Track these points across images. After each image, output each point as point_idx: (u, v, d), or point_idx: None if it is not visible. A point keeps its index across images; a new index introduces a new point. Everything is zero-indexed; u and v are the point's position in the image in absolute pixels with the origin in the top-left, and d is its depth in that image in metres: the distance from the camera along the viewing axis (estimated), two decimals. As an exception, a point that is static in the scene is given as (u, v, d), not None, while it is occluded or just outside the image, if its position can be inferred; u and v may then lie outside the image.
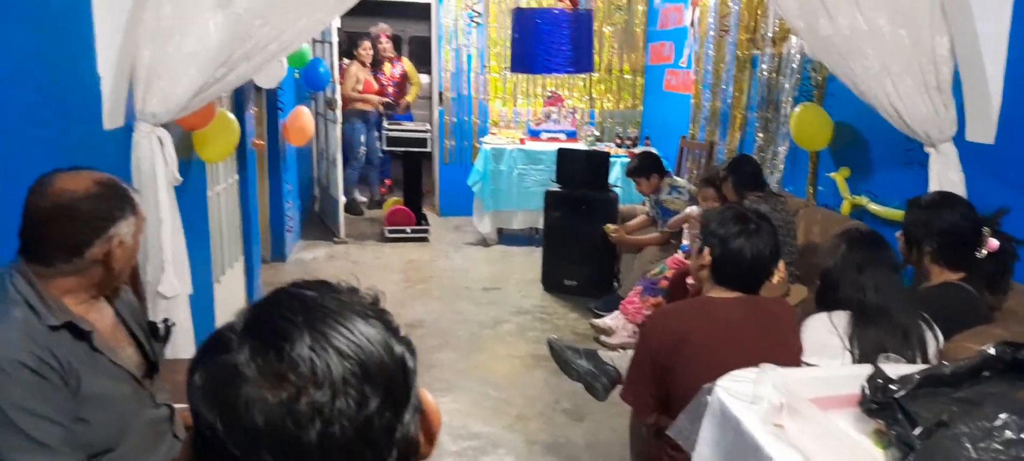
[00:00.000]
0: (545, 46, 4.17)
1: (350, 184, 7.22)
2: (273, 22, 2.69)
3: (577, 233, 5.02)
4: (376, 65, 7.37)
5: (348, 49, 7.62)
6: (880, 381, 1.45)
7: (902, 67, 2.83)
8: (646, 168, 4.72)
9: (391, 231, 6.40)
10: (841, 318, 2.08)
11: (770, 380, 1.50)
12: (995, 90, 2.79)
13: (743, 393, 1.58)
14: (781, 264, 2.21)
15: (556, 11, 4.40)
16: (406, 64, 7.63)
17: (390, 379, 0.65)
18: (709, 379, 1.74)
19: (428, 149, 6.48)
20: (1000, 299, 2.43)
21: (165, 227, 2.67)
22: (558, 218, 5.12)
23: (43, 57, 2.10)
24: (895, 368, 1.53)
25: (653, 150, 5.58)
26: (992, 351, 1.47)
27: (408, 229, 6.41)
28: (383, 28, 7.75)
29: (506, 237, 6.48)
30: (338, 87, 6.26)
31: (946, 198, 2.46)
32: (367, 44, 7.26)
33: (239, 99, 4.35)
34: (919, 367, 1.51)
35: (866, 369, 1.50)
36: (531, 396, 3.59)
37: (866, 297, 2.05)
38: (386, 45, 7.56)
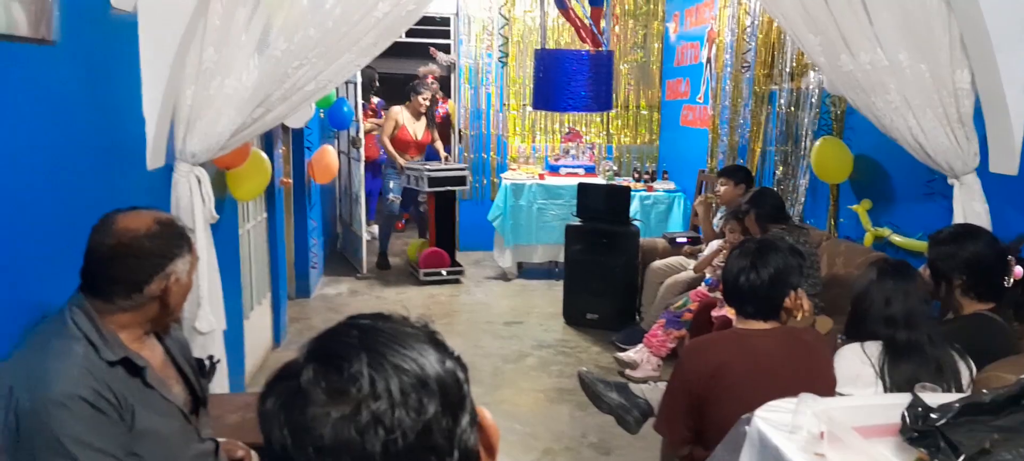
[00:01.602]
0: (567, 85, 4.26)
1: (384, 239, 6.77)
2: (310, 64, 2.77)
3: (598, 267, 5.06)
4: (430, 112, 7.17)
5: (388, 92, 7.76)
6: (920, 410, 1.47)
7: (923, 101, 2.87)
8: (741, 176, 4.57)
9: (427, 274, 6.18)
10: (873, 349, 2.11)
11: (810, 409, 1.53)
12: (1017, 121, 2.82)
13: (782, 423, 1.61)
14: (803, 297, 2.24)
15: (578, 52, 4.50)
16: (450, 106, 7.66)
17: (445, 389, 0.71)
18: (745, 410, 1.77)
19: (466, 186, 6.48)
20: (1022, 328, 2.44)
21: (202, 264, 2.72)
22: (579, 252, 5.16)
23: (93, 101, 2.18)
24: (932, 397, 1.55)
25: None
26: (1030, 379, 1.49)
27: (444, 271, 6.24)
28: (432, 69, 7.84)
29: (526, 271, 6.52)
30: (361, 125, 6.37)
31: (968, 229, 2.49)
32: (427, 95, 6.63)
33: (268, 138, 4.45)
34: (957, 395, 1.53)
35: (904, 398, 1.52)
36: (557, 431, 3.60)
37: (897, 330, 2.07)
38: (435, 86, 7.64)
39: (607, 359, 4.53)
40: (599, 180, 6.48)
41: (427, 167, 6.26)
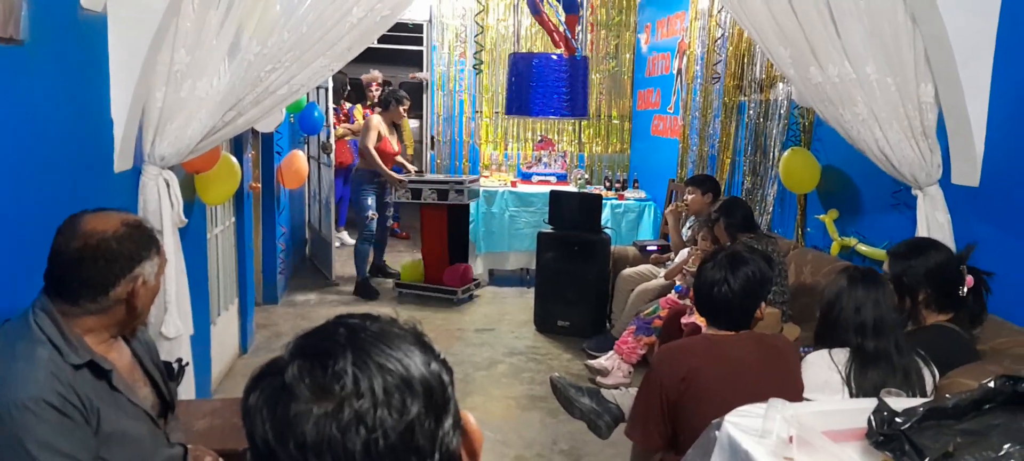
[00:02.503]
0: (541, 90, 4.27)
1: (362, 260, 6.05)
2: (284, 68, 2.76)
3: (570, 274, 5.07)
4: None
5: (352, 96, 7.69)
6: (886, 414, 1.50)
7: (889, 113, 2.94)
8: (708, 185, 4.57)
9: (464, 292, 5.83)
10: (841, 356, 2.15)
11: (779, 414, 1.55)
12: (978, 134, 2.90)
13: (752, 428, 1.62)
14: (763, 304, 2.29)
15: (553, 56, 4.51)
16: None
17: (429, 390, 0.71)
18: (717, 415, 1.78)
19: (478, 197, 6.17)
20: (990, 343, 2.50)
21: (170, 268, 2.68)
22: (551, 259, 5.18)
23: (60, 102, 2.14)
24: (898, 402, 1.58)
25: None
26: (992, 384, 1.52)
27: (473, 286, 5.99)
28: (375, 76, 7.86)
29: (498, 278, 6.52)
30: (332, 131, 6.33)
31: (925, 243, 2.56)
32: (407, 105, 6.38)
33: (238, 142, 4.39)
34: (921, 400, 1.56)
35: (870, 403, 1.55)
36: (528, 438, 3.60)
37: (866, 338, 2.11)
38: (376, 92, 7.68)
39: (578, 366, 4.54)
40: (571, 188, 6.52)
41: (434, 178, 5.99)
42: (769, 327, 3.25)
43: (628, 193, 6.68)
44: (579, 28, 4.65)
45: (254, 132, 4.79)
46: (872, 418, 1.51)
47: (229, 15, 2.64)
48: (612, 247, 5.27)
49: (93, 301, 1.50)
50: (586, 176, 7.02)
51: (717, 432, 1.72)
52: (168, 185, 2.72)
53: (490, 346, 4.87)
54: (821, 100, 3.02)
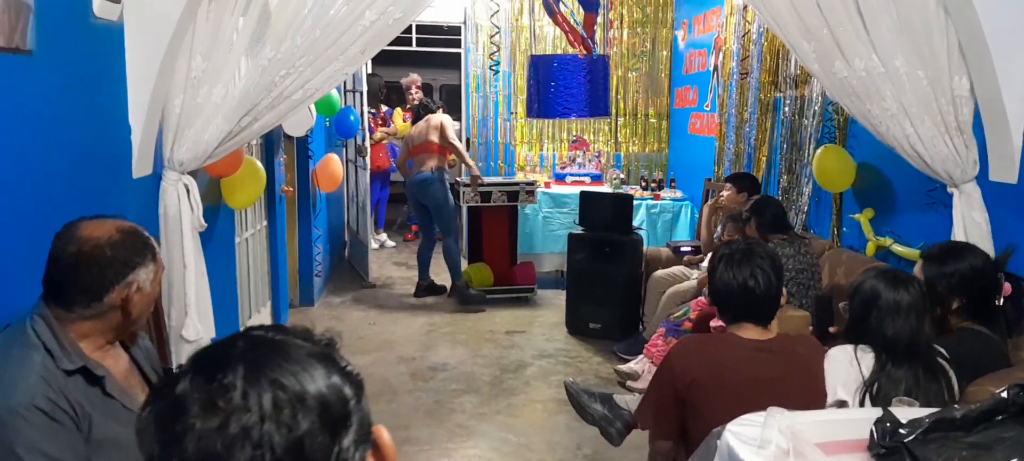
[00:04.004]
0: (561, 91, 4.23)
1: (456, 262, 5.90)
2: (298, 72, 2.78)
3: (601, 276, 5.02)
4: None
5: (391, 98, 7.79)
6: (889, 425, 1.43)
7: (921, 108, 2.82)
8: (745, 183, 4.49)
9: (524, 289, 5.93)
10: (866, 357, 2.05)
11: (776, 424, 1.49)
12: (1016, 129, 2.76)
13: (752, 437, 1.57)
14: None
15: (572, 57, 4.46)
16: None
17: (325, 406, 0.69)
18: (727, 417, 1.72)
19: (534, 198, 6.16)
20: (1014, 342, 2.36)
21: (189, 272, 2.74)
22: (582, 261, 5.13)
23: (74, 111, 2.19)
24: (906, 411, 1.51)
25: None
26: (1005, 394, 1.44)
27: (535, 286, 6.02)
28: (413, 79, 7.91)
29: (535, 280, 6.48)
30: (367, 135, 6.39)
31: (961, 247, 2.41)
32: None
33: (269, 147, 4.47)
34: (929, 411, 1.48)
35: (874, 413, 1.48)
36: (553, 442, 3.57)
37: (894, 358, 1.99)
38: (416, 94, 7.74)
39: (608, 369, 4.49)
40: (605, 188, 6.45)
41: (501, 181, 6.06)
42: (797, 328, 3.15)
43: (664, 193, 6.58)
44: (599, 28, 4.58)
45: (287, 136, 4.86)
46: (874, 429, 1.44)
47: (243, 21, 2.67)
48: (645, 248, 5.19)
49: (87, 307, 1.52)
50: (622, 176, 6.93)
51: (718, 441, 1.67)
52: (188, 190, 2.77)
53: (520, 348, 4.84)
54: (847, 95, 2.91)
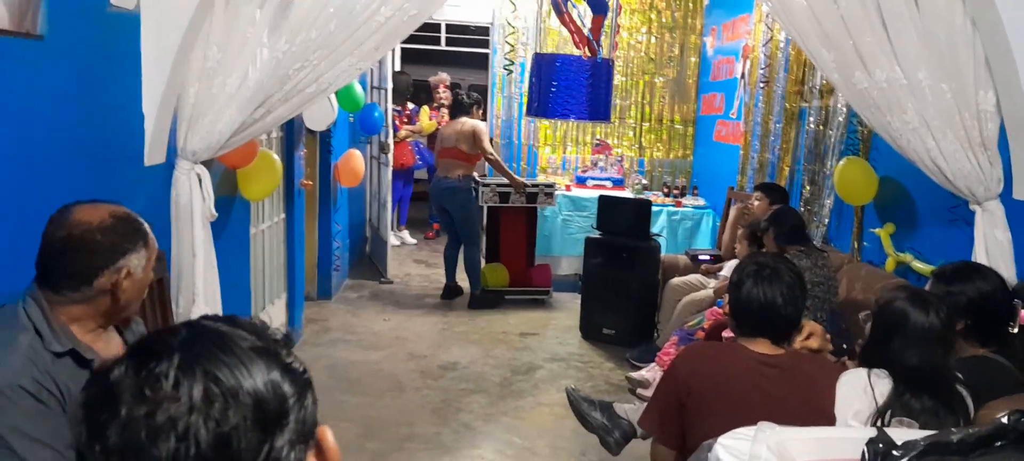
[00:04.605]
0: (562, 91, 4.18)
1: (478, 270, 5.83)
2: (312, 66, 2.78)
3: (617, 281, 4.98)
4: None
5: (419, 96, 7.85)
6: (882, 446, 1.38)
7: (943, 122, 2.75)
8: (777, 195, 4.40)
9: (540, 291, 5.95)
10: (881, 383, 1.97)
11: (766, 440, 1.45)
12: (1043, 147, 2.68)
13: (742, 451, 1.53)
14: (817, 326, 2.14)
15: (575, 58, 4.42)
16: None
17: (260, 403, 0.68)
18: (725, 429, 1.69)
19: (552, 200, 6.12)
20: None
21: (198, 262, 2.76)
22: (598, 265, 5.09)
23: (86, 97, 2.22)
24: (901, 433, 1.46)
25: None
26: (1005, 420, 1.38)
27: (551, 288, 6.01)
28: (442, 78, 7.95)
29: (552, 283, 6.45)
30: (391, 131, 6.41)
31: (974, 268, 2.31)
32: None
33: (289, 140, 4.50)
34: (926, 433, 1.43)
35: (868, 433, 1.43)
36: (557, 446, 3.54)
37: (915, 390, 1.89)
38: (443, 94, 7.77)
39: (619, 376, 4.45)
40: (626, 193, 6.40)
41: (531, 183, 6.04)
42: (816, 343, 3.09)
43: (686, 200, 6.52)
44: (607, 31, 4.53)
45: (308, 130, 4.89)
46: (866, 450, 1.39)
47: (260, 13, 2.69)
48: (663, 255, 5.14)
49: (76, 291, 1.53)
50: (644, 181, 6.88)
51: (709, 453, 1.63)
52: (200, 179, 2.79)
53: (532, 351, 4.82)
54: (867, 106, 2.85)
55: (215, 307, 2.89)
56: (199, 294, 2.77)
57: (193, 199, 2.76)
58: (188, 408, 0.64)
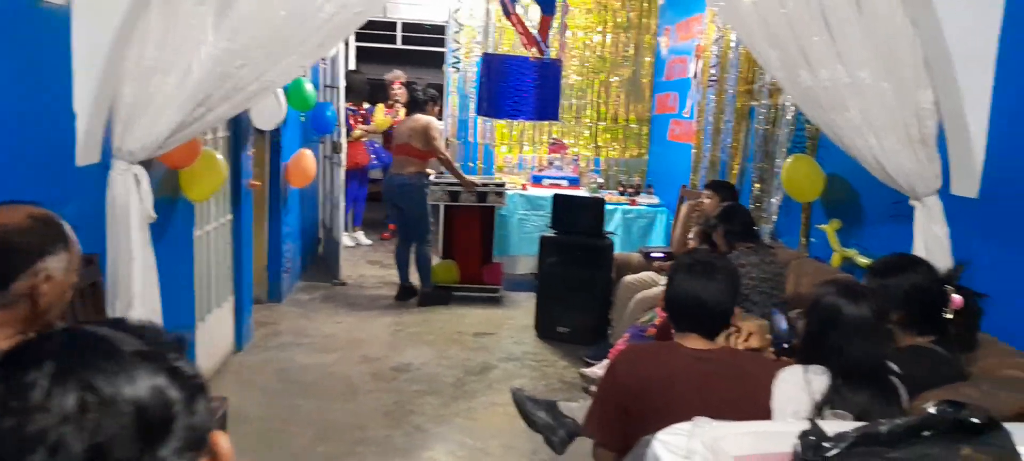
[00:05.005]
0: (511, 91, 4.18)
1: (429, 267, 5.84)
2: (254, 63, 2.73)
3: (572, 279, 4.98)
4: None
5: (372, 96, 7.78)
6: (813, 438, 1.39)
7: (885, 120, 2.80)
8: (727, 192, 4.40)
9: (490, 289, 6.00)
10: (818, 380, 1.98)
11: (700, 435, 1.45)
12: (978, 144, 2.74)
13: (679, 447, 1.53)
14: (756, 326, 2.17)
15: (524, 58, 4.43)
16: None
17: (141, 412, 0.65)
18: (665, 425, 1.69)
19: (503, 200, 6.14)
20: (970, 356, 2.32)
21: (136, 264, 2.68)
22: (553, 264, 5.09)
23: (11, 94, 2.13)
24: (833, 425, 1.47)
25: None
26: (933, 410, 1.40)
27: (501, 287, 6.05)
28: (397, 75, 7.89)
29: (508, 282, 6.43)
30: (343, 131, 6.33)
31: (907, 261, 2.37)
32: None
33: (236, 139, 4.40)
34: (858, 424, 1.45)
35: (801, 425, 1.44)
36: (509, 446, 3.52)
37: (852, 386, 1.90)
38: (398, 91, 7.71)
39: (573, 374, 4.45)
40: (582, 192, 6.42)
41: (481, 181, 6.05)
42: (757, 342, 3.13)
43: (641, 199, 6.56)
44: (556, 31, 4.55)
45: (257, 130, 4.80)
46: (799, 442, 1.40)
47: (199, 10, 2.62)
48: (616, 253, 5.16)
49: (-8, 295, 1.47)
50: (600, 180, 6.91)
51: (647, 449, 1.63)
52: (137, 180, 2.71)
53: (487, 350, 4.80)
54: (812, 105, 2.89)
55: (154, 311, 2.82)
56: (137, 298, 2.69)
57: (130, 200, 2.68)
58: (60, 419, 0.61)
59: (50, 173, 2.36)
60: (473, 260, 6.06)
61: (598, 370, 4.17)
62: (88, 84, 2.48)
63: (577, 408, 2.46)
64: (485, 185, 5.97)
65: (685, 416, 1.72)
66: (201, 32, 2.67)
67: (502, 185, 6.03)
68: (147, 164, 2.80)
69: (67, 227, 1.59)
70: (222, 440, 0.73)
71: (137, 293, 2.68)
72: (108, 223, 2.66)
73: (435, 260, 6.03)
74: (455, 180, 5.85)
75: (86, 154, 2.55)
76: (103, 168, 2.65)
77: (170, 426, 0.67)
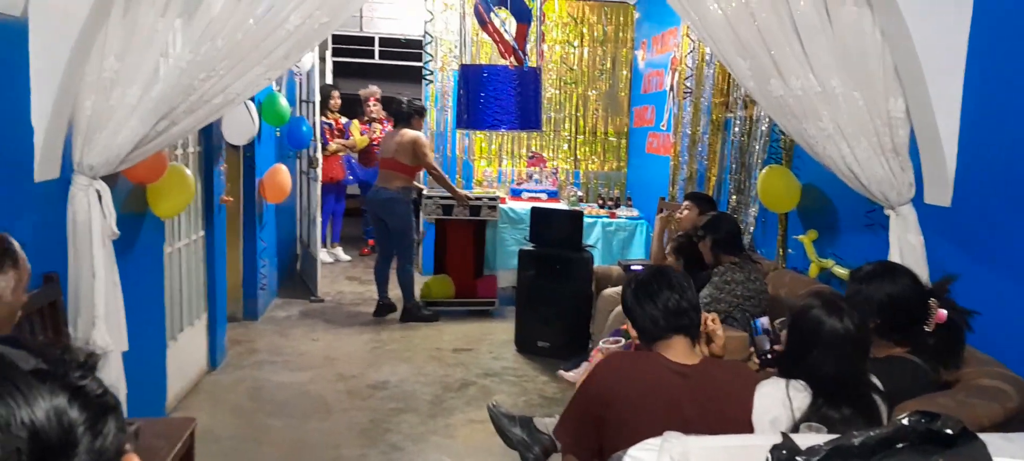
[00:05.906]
0: (491, 102, 4.14)
1: (411, 284, 5.76)
2: (219, 76, 2.68)
3: (551, 293, 4.94)
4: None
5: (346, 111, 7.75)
6: (785, 452, 1.36)
7: (857, 129, 2.79)
8: (706, 204, 4.41)
9: (485, 302, 5.98)
10: (799, 395, 1.95)
11: (670, 451, 1.41)
12: (950, 152, 2.75)
13: (649, 463, 1.49)
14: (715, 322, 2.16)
15: (502, 68, 4.39)
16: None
17: (37, 435, 0.62)
18: (640, 439, 1.65)
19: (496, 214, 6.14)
20: (954, 373, 2.28)
21: (99, 282, 2.61)
22: (532, 278, 5.05)
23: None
24: (806, 438, 1.44)
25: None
26: (905, 421, 1.37)
27: (496, 300, 6.02)
28: (372, 91, 7.85)
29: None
30: (318, 145, 6.28)
31: (887, 269, 2.33)
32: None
33: (208, 154, 4.34)
34: (830, 437, 1.41)
35: (773, 439, 1.41)
36: (486, 463, 3.47)
37: (831, 402, 1.87)
38: (373, 107, 7.67)
39: (553, 388, 4.40)
40: (561, 205, 6.39)
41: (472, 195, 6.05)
42: (735, 352, 3.10)
43: (620, 211, 6.55)
44: (533, 41, 4.53)
45: (230, 145, 4.73)
46: (770, 456, 1.37)
47: (160, 22, 2.57)
48: (596, 266, 5.13)
49: (-65, 315, 1.41)
50: (579, 194, 6.89)
51: (618, 466, 1.59)
52: (99, 195, 2.65)
53: (465, 366, 4.74)
54: (784, 114, 2.88)
55: (119, 329, 2.75)
56: (100, 317, 2.62)
57: (92, 216, 2.62)
58: None
59: (6, 189, 2.29)
60: (467, 274, 6.04)
61: (580, 373, 4.13)
62: (46, 97, 2.42)
63: (552, 424, 2.41)
64: (478, 199, 5.95)
65: (658, 431, 1.68)
66: (163, 43, 2.62)
67: (495, 199, 6.02)
68: (111, 179, 2.73)
69: (16, 245, 1.53)
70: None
71: (101, 313, 2.61)
72: (69, 240, 2.59)
73: (427, 278, 5.98)
74: (448, 194, 5.81)
75: (45, 169, 2.48)
76: (63, 183, 2.58)
77: (72, 450, 0.63)
